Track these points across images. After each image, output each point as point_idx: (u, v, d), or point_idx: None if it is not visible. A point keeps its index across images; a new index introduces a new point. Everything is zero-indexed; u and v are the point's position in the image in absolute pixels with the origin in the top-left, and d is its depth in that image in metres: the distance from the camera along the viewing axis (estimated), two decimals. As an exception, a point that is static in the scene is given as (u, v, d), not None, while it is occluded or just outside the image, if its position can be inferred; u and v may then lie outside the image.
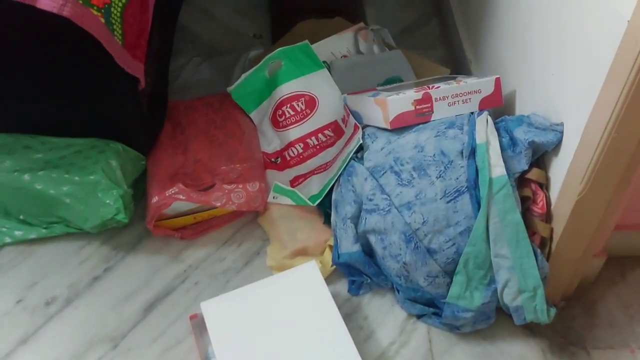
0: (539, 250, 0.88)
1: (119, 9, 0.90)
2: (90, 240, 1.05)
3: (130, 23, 0.93)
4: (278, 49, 1.13)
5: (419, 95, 0.95)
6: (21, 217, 1.04)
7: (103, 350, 0.93)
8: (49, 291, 1.00)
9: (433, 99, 0.95)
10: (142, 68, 0.98)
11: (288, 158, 1.11)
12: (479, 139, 0.89)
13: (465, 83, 0.96)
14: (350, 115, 1.05)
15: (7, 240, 1.04)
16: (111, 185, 0.98)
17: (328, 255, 1.01)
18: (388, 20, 1.45)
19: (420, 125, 0.96)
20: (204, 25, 1.46)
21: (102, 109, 1.02)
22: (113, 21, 0.89)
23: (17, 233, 1.03)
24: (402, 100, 0.95)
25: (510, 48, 1.06)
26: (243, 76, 1.15)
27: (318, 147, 1.11)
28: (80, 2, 0.82)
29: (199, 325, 0.92)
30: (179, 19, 1.39)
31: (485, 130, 0.90)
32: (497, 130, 0.91)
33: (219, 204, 1.02)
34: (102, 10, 0.86)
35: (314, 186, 1.08)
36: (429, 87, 0.96)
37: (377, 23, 1.36)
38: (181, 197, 1.00)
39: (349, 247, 0.98)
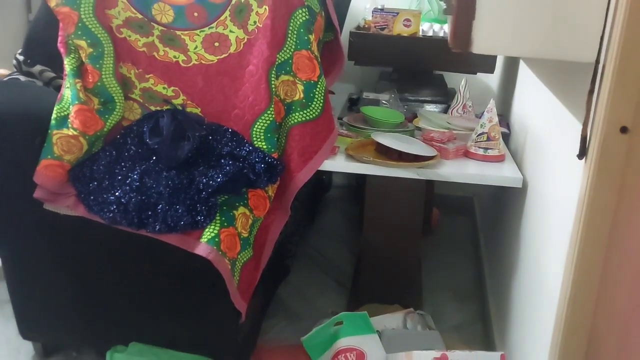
0: None
1: (240, 264, 1.38)
2: None
3: (245, 275, 1.40)
4: (342, 313, 1.52)
5: (438, 354, 1.26)
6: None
7: None
8: None
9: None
10: (246, 307, 1.40)
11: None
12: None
13: (476, 354, 1.27)
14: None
15: None
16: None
17: None
18: (442, 317, 1.81)
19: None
20: (296, 300, 1.91)
21: (211, 332, 1.42)
22: (235, 270, 1.36)
23: None
24: (425, 356, 1.26)
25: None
26: (315, 329, 1.52)
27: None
28: (220, 253, 1.31)
29: None
30: (278, 292, 1.87)
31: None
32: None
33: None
34: (231, 261, 1.34)
35: None
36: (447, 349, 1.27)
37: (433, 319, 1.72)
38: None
39: None
